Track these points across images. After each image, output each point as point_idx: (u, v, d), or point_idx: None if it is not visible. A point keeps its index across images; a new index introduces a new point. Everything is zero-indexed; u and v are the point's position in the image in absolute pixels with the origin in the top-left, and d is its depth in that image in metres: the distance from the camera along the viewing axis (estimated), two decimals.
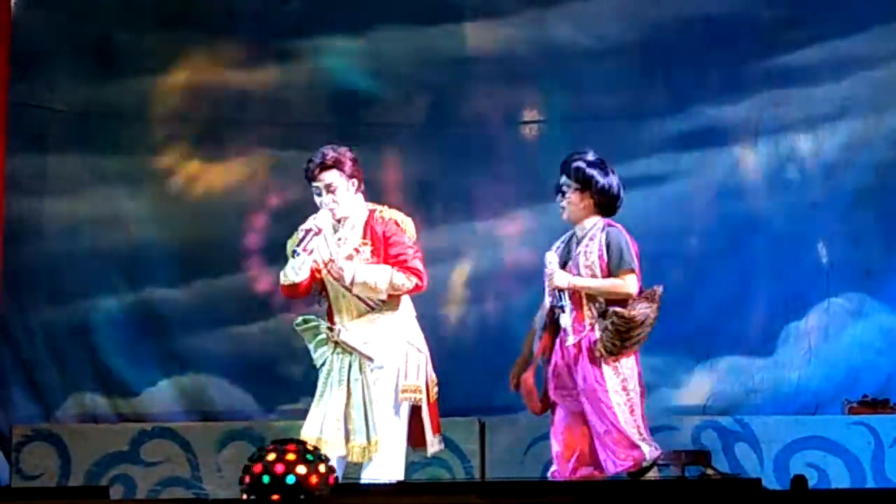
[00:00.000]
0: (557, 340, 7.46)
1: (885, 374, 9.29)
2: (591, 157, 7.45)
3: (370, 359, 7.14)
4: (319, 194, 7.27)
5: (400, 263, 7.17)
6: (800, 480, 5.87)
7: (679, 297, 8.51)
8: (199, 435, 9.29)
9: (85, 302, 9.64)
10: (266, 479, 5.64)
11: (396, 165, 9.15)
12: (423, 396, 7.18)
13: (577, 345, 7.35)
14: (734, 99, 9.64)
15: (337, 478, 5.82)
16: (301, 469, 5.65)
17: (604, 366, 7.28)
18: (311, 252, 7.16)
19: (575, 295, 7.37)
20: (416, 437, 7.25)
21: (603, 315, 7.30)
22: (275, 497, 5.62)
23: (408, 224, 7.32)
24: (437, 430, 7.26)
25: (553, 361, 7.46)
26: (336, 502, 5.68)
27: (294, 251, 7.13)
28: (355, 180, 7.28)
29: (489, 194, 9.73)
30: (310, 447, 5.77)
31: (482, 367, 9.33)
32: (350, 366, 7.17)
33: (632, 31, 9.71)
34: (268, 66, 9.84)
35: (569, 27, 9.79)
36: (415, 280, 7.19)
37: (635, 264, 7.33)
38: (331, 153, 7.26)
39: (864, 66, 9.55)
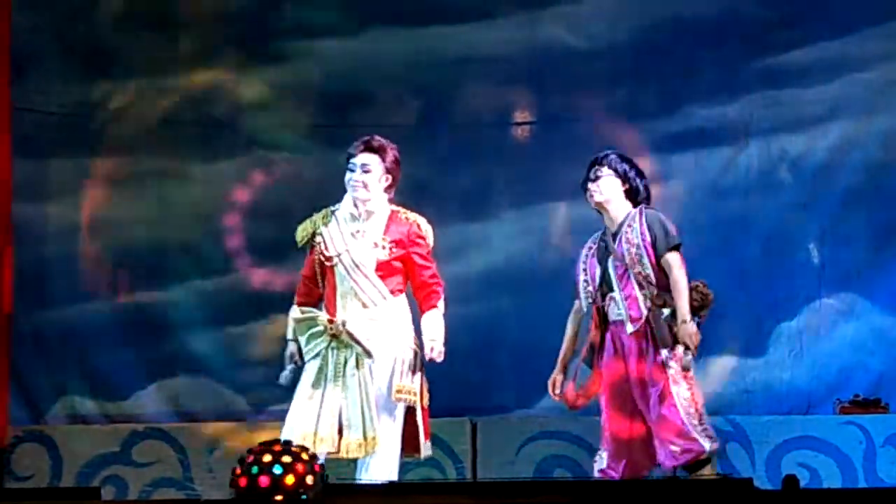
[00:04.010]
0: (608, 335, 7.49)
1: (876, 374, 9.31)
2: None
3: (370, 355, 7.11)
4: (353, 170, 7.25)
5: (434, 291, 7.26)
6: (791, 480, 5.89)
7: None
8: (191, 436, 9.28)
9: (75, 305, 9.62)
10: (258, 480, 5.63)
11: None
12: (418, 399, 7.16)
13: (636, 335, 7.40)
14: (725, 100, 9.64)
15: (327, 476, 5.81)
16: (295, 469, 5.64)
17: (665, 355, 7.34)
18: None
19: (627, 284, 7.42)
20: (407, 441, 7.21)
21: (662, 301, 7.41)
22: (267, 498, 5.61)
23: (428, 229, 7.36)
24: (427, 435, 7.23)
25: (605, 357, 7.49)
26: (328, 502, 5.67)
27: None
28: (389, 177, 7.28)
29: (481, 195, 9.74)
30: (301, 447, 5.77)
31: (474, 367, 9.33)
32: (346, 361, 7.13)
33: (623, 32, 9.72)
34: (260, 67, 9.83)
35: (560, 28, 9.79)
36: (440, 297, 7.30)
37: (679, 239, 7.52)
38: (380, 139, 7.31)
39: (855, 68, 9.56)
